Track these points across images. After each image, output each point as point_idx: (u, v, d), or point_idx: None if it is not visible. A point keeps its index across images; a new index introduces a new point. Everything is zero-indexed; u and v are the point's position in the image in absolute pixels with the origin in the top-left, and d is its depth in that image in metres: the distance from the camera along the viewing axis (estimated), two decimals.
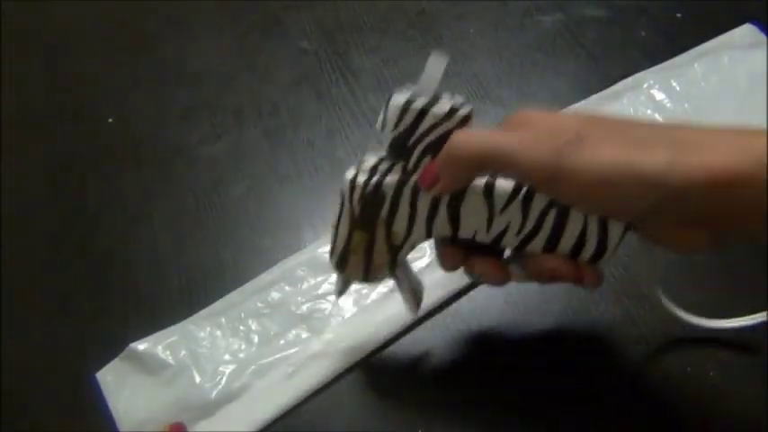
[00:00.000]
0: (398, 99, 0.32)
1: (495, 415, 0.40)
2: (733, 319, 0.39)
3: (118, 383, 0.43)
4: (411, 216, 0.34)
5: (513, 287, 0.43)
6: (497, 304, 0.44)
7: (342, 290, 0.39)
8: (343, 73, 0.58)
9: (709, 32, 0.55)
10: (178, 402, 0.41)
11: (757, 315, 0.39)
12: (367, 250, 0.35)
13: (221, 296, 0.46)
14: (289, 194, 0.51)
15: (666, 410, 0.39)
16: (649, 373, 0.40)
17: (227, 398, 0.41)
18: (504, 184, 0.33)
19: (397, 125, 0.32)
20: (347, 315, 0.44)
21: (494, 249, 0.35)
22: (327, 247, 0.46)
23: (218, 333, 0.44)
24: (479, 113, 0.54)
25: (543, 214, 0.32)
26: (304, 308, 0.45)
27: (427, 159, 0.32)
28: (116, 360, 0.43)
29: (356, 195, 0.34)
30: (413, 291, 0.38)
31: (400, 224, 0.34)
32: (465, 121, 0.32)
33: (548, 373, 0.41)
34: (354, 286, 0.45)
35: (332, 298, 0.45)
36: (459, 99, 0.32)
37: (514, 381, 0.41)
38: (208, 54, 0.61)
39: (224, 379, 0.42)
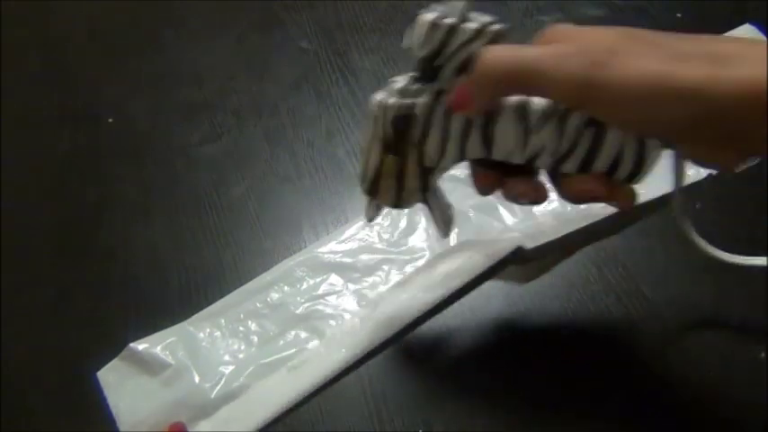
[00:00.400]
0: (427, 16, 0.30)
1: (494, 416, 0.40)
2: (760, 257, 0.38)
3: (118, 383, 0.43)
4: (443, 138, 0.33)
5: (513, 287, 0.44)
6: (496, 304, 0.44)
7: (373, 216, 0.38)
8: (343, 73, 0.58)
9: (709, 32, 0.55)
10: (178, 402, 0.41)
11: None
12: (398, 174, 0.34)
13: (221, 296, 0.46)
14: (289, 195, 0.51)
15: (666, 410, 0.39)
16: (648, 373, 0.40)
17: (227, 398, 0.42)
18: (539, 103, 0.32)
19: (425, 44, 0.31)
20: (347, 315, 0.44)
21: (526, 170, 0.34)
22: (326, 248, 0.47)
23: (218, 333, 0.44)
24: None
25: (579, 134, 0.31)
26: (303, 308, 0.45)
27: (459, 80, 0.31)
28: (116, 360, 0.43)
29: (387, 118, 0.33)
30: (443, 215, 0.37)
31: (432, 147, 0.33)
32: (498, 38, 0.31)
33: (547, 375, 0.41)
34: (354, 286, 0.45)
35: (330, 299, 0.45)
36: (488, 17, 0.31)
37: (513, 382, 0.41)
38: (208, 54, 0.61)
39: (223, 379, 0.42)
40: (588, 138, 0.31)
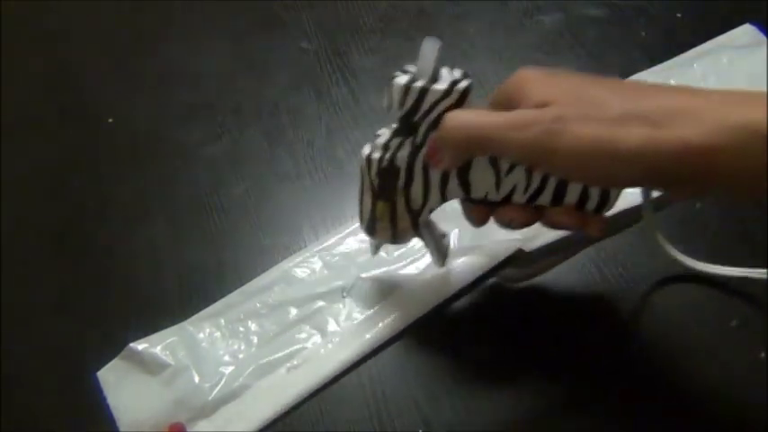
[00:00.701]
0: (400, 81, 0.33)
1: (494, 417, 0.40)
2: (733, 268, 0.41)
3: (118, 383, 0.43)
4: (425, 184, 0.36)
5: (512, 290, 0.44)
6: (497, 305, 0.44)
7: (375, 251, 0.43)
8: (343, 73, 0.58)
9: (709, 32, 0.55)
10: (177, 402, 0.41)
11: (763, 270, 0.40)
12: (391, 217, 0.38)
13: (221, 296, 0.46)
14: (289, 194, 0.51)
15: (666, 410, 0.39)
16: (649, 373, 0.40)
17: (227, 398, 0.42)
18: None
19: (401, 105, 0.34)
20: (347, 314, 0.44)
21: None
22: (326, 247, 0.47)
23: (218, 334, 0.44)
24: None
25: (546, 175, 0.34)
26: (303, 308, 0.45)
27: (433, 134, 0.34)
28: (116, 359, 0.43)
29: (373, 171, 0.36)
30: (438, 246, 0.41)
31: (416, 192, 0.37)
32: (464, 96, 0.33)
33: (548, 375, 0.41)
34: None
35: (330, 298, 0.45)
36: (457, 74, 0.34)
37: (514, 382, 0.41)
38: (208, 54, 0.61)
39: (223, 379, 0.42)
40: (555, 178, 0.34)
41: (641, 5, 0.58)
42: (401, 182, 0.36)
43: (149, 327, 0.44)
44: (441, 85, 0.33)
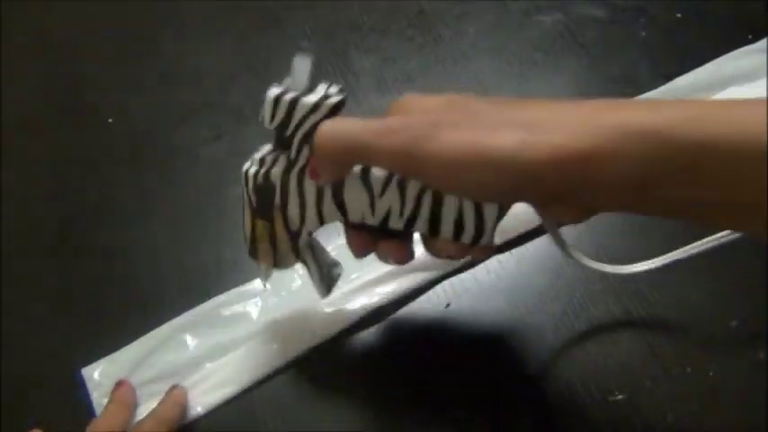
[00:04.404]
0: (271, 93, 0.32)
1: (496, 417, 0.40)
2: (640, 263, 0.39)
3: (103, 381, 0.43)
4: (301, 203, 0.35)
5: (513, 288, 0.44)
6: (497, 305, 0.44)
7: (265, 277, 0.40)
8: (343, 73, 0.58)
9: (709, 32, 0.55)
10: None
11: (665, 256, 0.39)
12: (271, 238, 0.37)
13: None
14: None
15: (666, 410, 0.39)
16: (648, 372, 0.40)
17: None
18: (379, 170, 0.33)
19: (273, 118, 0.33)
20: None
21: (402, 233, 0.35)
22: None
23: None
24: None
25: (419, 197, 0.33)
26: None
27: (306, 148, 0.33)
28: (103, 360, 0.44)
29: (250, 186, 0.35)
30: (322, 275, 0.39)
31: (293, 211, 0.35)
32: (335, 110, 0.32)
33: (548, 376, 0.41)
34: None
35: None
36: (333, 89, 0.33)
37: (514, 381, 0.41)
38: (208, 54, 0.61)
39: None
40: (428, 201, 0.33)
41: (641, 5, 0.58)
42: (277, 199, 0.35)
43: (149, 327, 0.44)
44: (311, 98, 0.32)
